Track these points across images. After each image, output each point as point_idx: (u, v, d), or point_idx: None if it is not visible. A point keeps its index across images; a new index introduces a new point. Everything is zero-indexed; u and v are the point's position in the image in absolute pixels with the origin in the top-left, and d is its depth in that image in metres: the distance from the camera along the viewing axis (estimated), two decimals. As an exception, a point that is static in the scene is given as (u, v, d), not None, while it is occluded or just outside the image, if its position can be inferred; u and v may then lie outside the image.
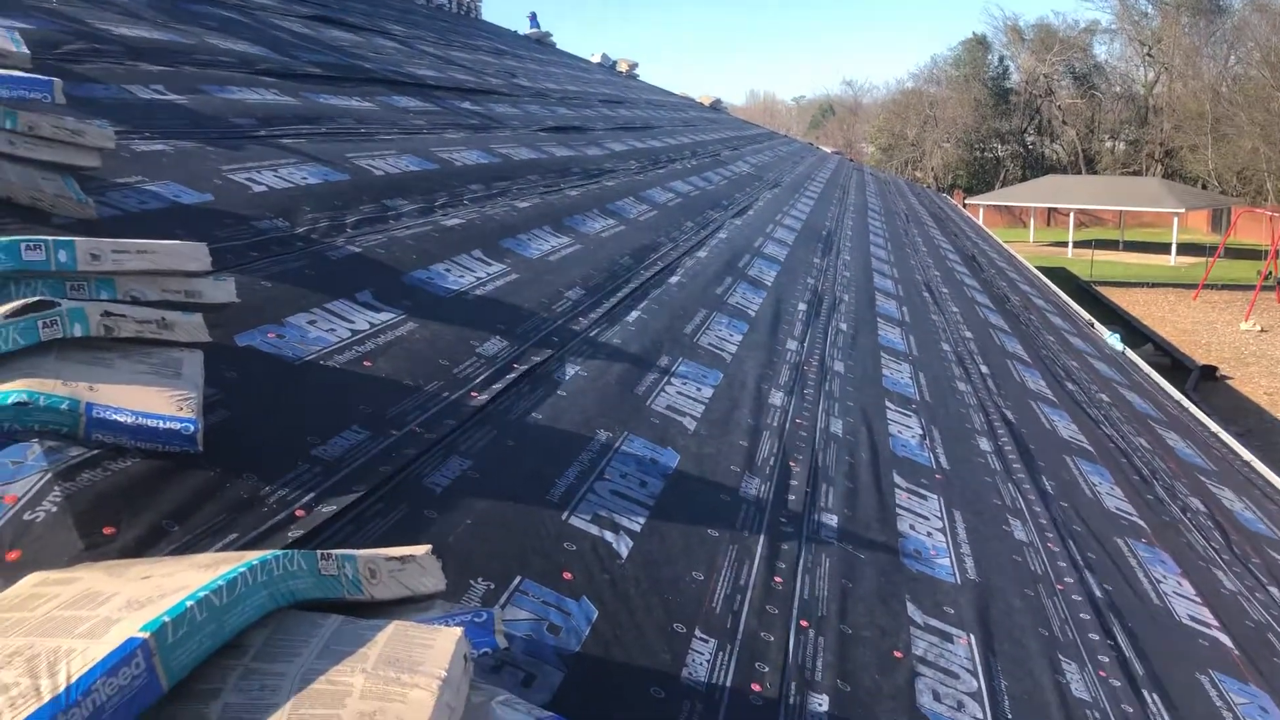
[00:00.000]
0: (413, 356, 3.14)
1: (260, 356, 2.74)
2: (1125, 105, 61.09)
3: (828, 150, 32.20)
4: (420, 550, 1.73)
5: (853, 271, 8.46)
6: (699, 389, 3.94)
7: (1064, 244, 45.22)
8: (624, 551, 2.50)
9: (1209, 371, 20.81)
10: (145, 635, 1.15)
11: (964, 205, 45.36)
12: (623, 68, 28.20)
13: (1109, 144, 62.87)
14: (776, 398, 4.22)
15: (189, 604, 1.21)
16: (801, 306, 6.25)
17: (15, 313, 2.07)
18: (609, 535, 2.54)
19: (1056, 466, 5.02)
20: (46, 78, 3.14)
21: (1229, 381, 20.64)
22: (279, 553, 1.39)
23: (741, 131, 22.61)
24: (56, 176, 3.19)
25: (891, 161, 63.56)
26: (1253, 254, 37.80)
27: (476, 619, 1.56)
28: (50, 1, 6.04)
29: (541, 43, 25.54)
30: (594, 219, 6.31)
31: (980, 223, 35.72)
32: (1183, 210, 42.15)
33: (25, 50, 4.21)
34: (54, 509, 1.84)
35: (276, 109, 5.74)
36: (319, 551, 1.47)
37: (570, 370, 3.59)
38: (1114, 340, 11.46)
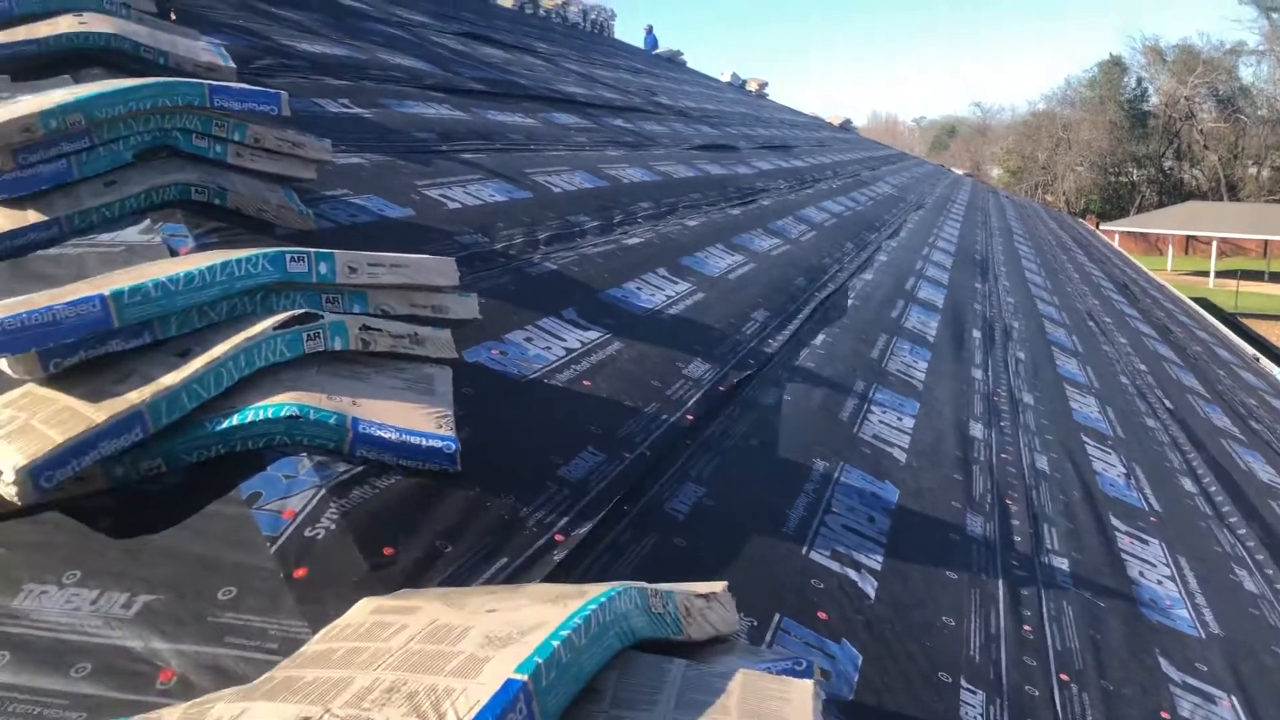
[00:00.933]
0: (626, 377, 3.07)
1: (489, 373, 2.70)
2: (1273, 130, 58.39)
3: (959, 173, 31.54)
4: (719, 587, 1.64)
5: (1015, 298, 8.17)
6: (899, 418, 3.79)
7: (1204, 273, 43.41)
8: (871, 592, 2.37)
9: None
10: (523, 677, 1.07)
11: (1098, 229, 43.93)
12: (752, 86, 28.12)
13: (1254, 170, 60.17)
14: (976, 430, 4.04)
15: (555, 644, 1.13)
16: (975, 333, 6.03)
17: (283, 325, 2.06)
18: (852, 573, 2.42)
19: (1265, 512, 4.71)
20: (274, 91, 3.18)
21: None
22: (619, 587, 1.31)
23: (874, 152, 22.28)
24: (278, 188, 3.22)
25: (1020, 185, 61.97)
26: None
27: (797, 666, 1.46)
28: (238, 20, 6.23)
29: (673, 61, 25.64)
30: (760, 238, 6.20)
31: (1116, 245, 34.51)
32: (1337, 240, 40.03)
33: (231, 64, 4.32)
34: (333, 527, 1.80)
35: (451, 124, 5.79)
36: (648, 588, 1.39)
37: (772, 394, 3.48)
38: (1286, 375, 10.87)
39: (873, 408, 3.76)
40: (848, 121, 29.86)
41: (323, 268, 2.18)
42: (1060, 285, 10.74)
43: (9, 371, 1.99)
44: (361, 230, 3.41)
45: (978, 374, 5.03)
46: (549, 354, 2.99)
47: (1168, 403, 6.23)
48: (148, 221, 2.85)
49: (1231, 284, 39.21)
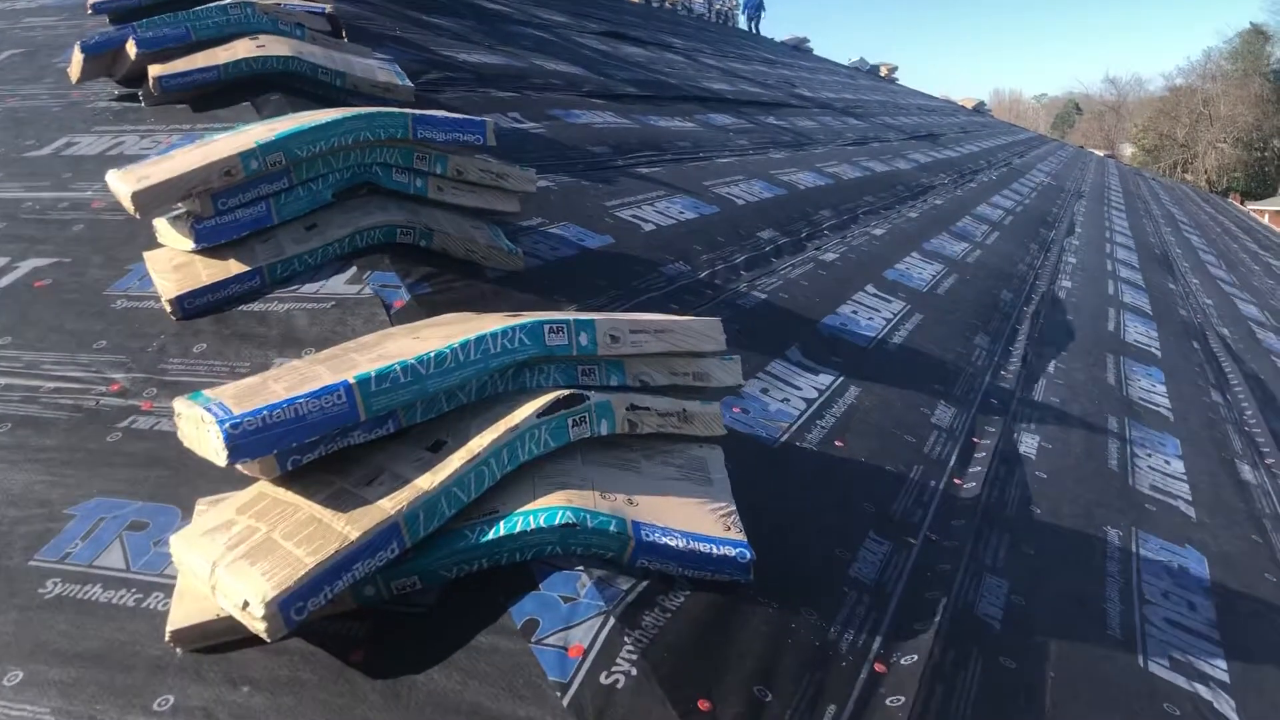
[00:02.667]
0: (876, 432, 2.71)
1: (738, 438, 2.36)
2: None
3: (1100, 154, 30.14)
4: None
5: (1212, 298, 7.51)
6: (1166, 461, 3.33)
7: (1368, 252, 40.66)
8: (1231, 714, 1.96)
9: None
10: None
11: (1243, 207, 41.56)
12: (883, 72, 27.31)
13: None
14: (1246, 471, 3.55)
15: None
16: (1194, 344, 5.47)
17: (548, 409, 1.75)
18: (1202, 690, 2.01)
19: None
20: (479, 119, 2.90)
21: None
22: None
23: (1014, 136, 21.33)
24: (484, 224, 2.95)
25: (1157, 164, 59.13)
26: None
27: None
28: (394, 31, 6.04)
29: (799, 49, 25.04)
30: (949, 242, 5.74)
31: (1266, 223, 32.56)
32: None
33: (408, 84, 4.08)
34: (634, 671, 1.48)
35: (620, 134, 5.49)
36: None
37: (1027, 441, 3.07)
38: None
39: (1136, 450, 3.31)
40: (981, 104, 28.76)
41: (583, 338, 1.87)
42: (1246, 279, 9.93)
43: (239, 467, 1.74)
44: (569, 266, 3.11)
45: (1216, 397, 4.50)
46: (789, 408, 2.64)
47: None
48: (353, 269, 2.60)
49: (1399, 263, 36.60)
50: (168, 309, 2.51)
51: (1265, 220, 38.55)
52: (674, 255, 3.59)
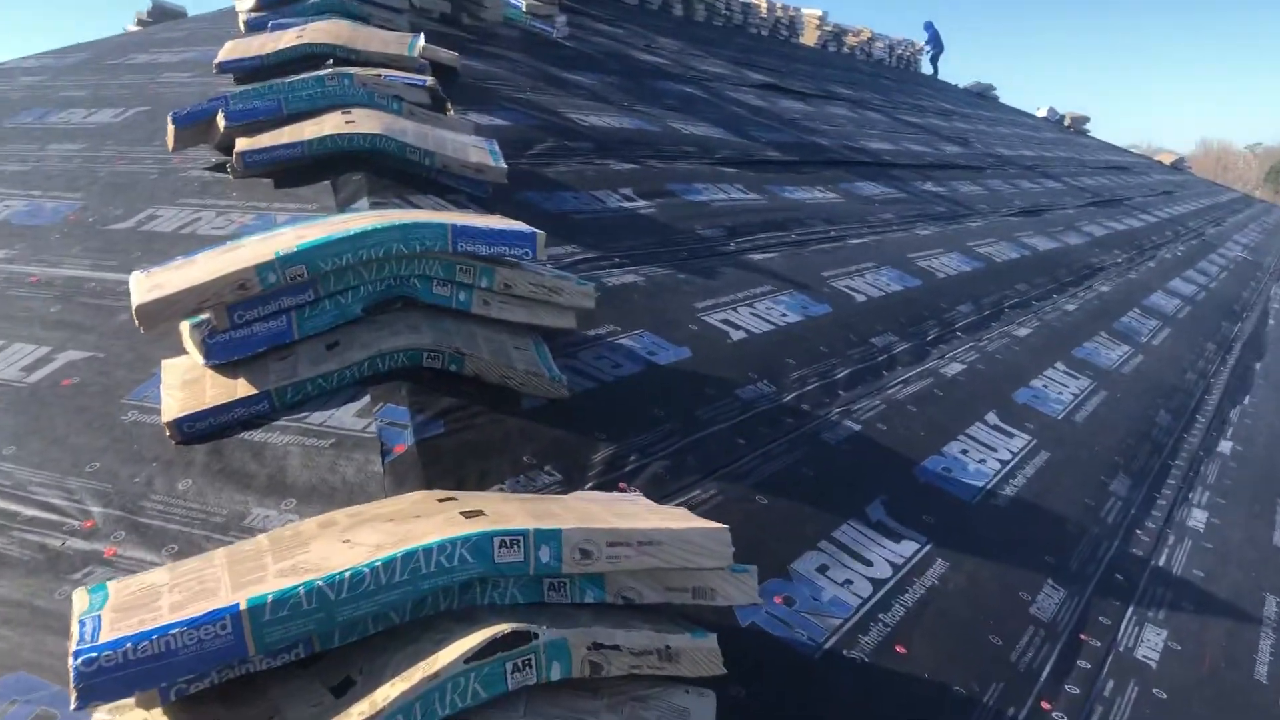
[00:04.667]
0: (953, 629, 2.27)
1: (769, 644, 1.98)
2: None
3: (1315, 217, 27.78)
4: None
5: None
6: (1333, 670, 2.74)
7: None
8: None
9: None
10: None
11: None
12: (1067, 122, 26.01)
13: None
14: None
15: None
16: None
17: (480, 652, 1.43)
18: None
19: None
20: (530, 230, 2.62)
21: None
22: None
23: (1215, 199, 19.83)
24: (528, 343, 2.66)
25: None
26: None
27: None
28: (525, 92, 5.88)
29: (984, 97, 24.11)
30: (1105, 347, 5.14)
31: None
32: None
33: (501, 165, 3.86)
34: None
35: (743, 211, 5.14)
36: None
37: (1150, 639, 2.56)
38: None
39: (1293, 653, 2.74)
40: (1180, 160, 26.98)
41: (544, 553, 1.55)
42: None
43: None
44: (627, 389, 2.79)
45: None
46: (850, 594, 2.24)
47: None
48: (367, 398, 2.35)
49: None
50: (166, 432, 2.32)
51: None
52: (759, 371, 3.22)
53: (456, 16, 7.43)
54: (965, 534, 2.71)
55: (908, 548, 2.52)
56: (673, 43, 11.40)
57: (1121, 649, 2.44)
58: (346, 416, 2.31)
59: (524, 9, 8.31)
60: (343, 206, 3.37)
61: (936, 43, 25.10)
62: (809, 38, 18.34)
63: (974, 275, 5.59)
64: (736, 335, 3.47)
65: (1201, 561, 3.09)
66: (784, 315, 3.83)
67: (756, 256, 4.49)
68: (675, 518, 1.75)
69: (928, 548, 2.55)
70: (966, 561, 2.56)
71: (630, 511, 1.74)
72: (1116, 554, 2.93)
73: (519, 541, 1.53)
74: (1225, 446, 4.31)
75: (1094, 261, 7.51)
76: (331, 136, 3.60)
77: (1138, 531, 3.15)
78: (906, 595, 2.32)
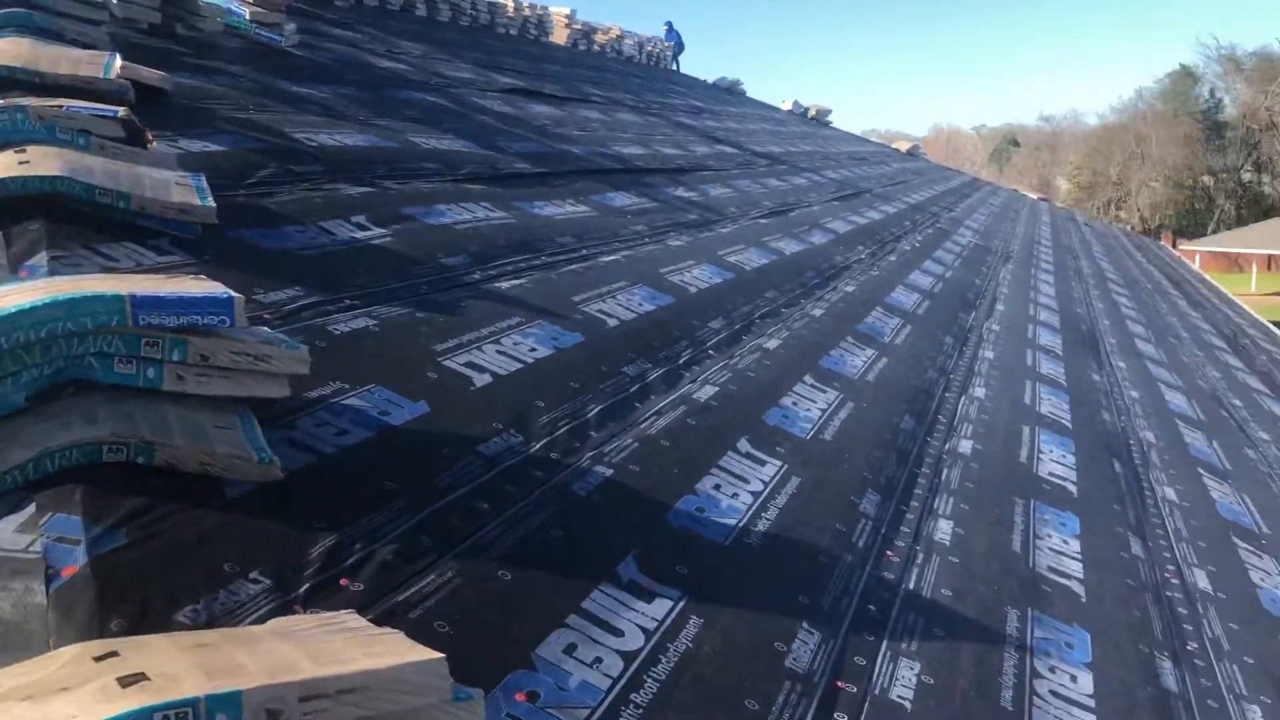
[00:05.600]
0: (706, 702, 2.17)
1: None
2: (1359, 138, 55.86)
3: (1034, 197, 30.20)
4: None
5: (1139, 389, 7.12)
6: (1073, 677, 2.83)
7: (1293, 292, 41.36)
8: None
9: None
10: None
11: (1175, 248, 42.23)
12: (812, 113, 27.15)
13: (1340, 180, 57.66)
14: (1168, 675, 3.07)
15: None
16: (1116, 466, 5.03)
17: None
18: None
19: None
20: (226, 294, 2.34)
21: None
22: None
23: (948, 184, 21.17)
24: (233, 420, 2.37)
25: (1092, 200, 60.06)
26: None
27: None
28: (246, 110, 5.45)
29: (732, 91, 24.80)
30: (852, 352, 5.27)
31: (1197, 269, 32.99)
32: None
33: (209, 204, 3.51)
34: None
35: (489, 233, 4.95)
36: None
37: (904, 675, 2.55)
38: None
39: (1038, 662, 2.81)
40: (915, 148, 28.68)
41: (219, 722, 1.31)
42: (1176, 357, 9.62)
43: None
44: (351, 460, 2.55)
45: (1137, 548, 4.04)
46: (602, 676, 2.09)
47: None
48: (32, 508, 2.01)
49: (1323, 304, 37.21)
50: None
51: (1196, 262, 39.07)
52: (506, 420, 3.04)
53: (169, 27, 6.84)
54: (719, 583, 2.63)
55: (660, 608, 2.41)
56: (416, 46, 11.05)
57: (877, 691, 2.41)
58: (5, 533, 1.96)
59: (247, 16, 7.77)
60: (16, 264, 2.95)
61: (677, 42, 25.67)
62: (559, 36, 18.30)
63: (725, 287, 5.61)
64: (480, 380, 3.27)
65: (950, 578, 3.14)
66: (533, 350, 3.67)
67: (504, 284, 4.31)
68: (387, 648, 1.54)
69: (681, 604, 2.45)
70: (721, 615, 2.47)
71: (332, 650, 1.52)
72: (869, 582, 2.93)
73: (187, 715, 1.29)
74: (965, 446, 4.47)
75: (839, 261, 7.76)
76: (1, 181, 3.15)
77: (889, 553, 3.17)
78: (659, 666, 2.20)
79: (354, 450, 2.60)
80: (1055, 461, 4.67)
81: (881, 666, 2.52)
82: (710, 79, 25.69)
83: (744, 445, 3.54)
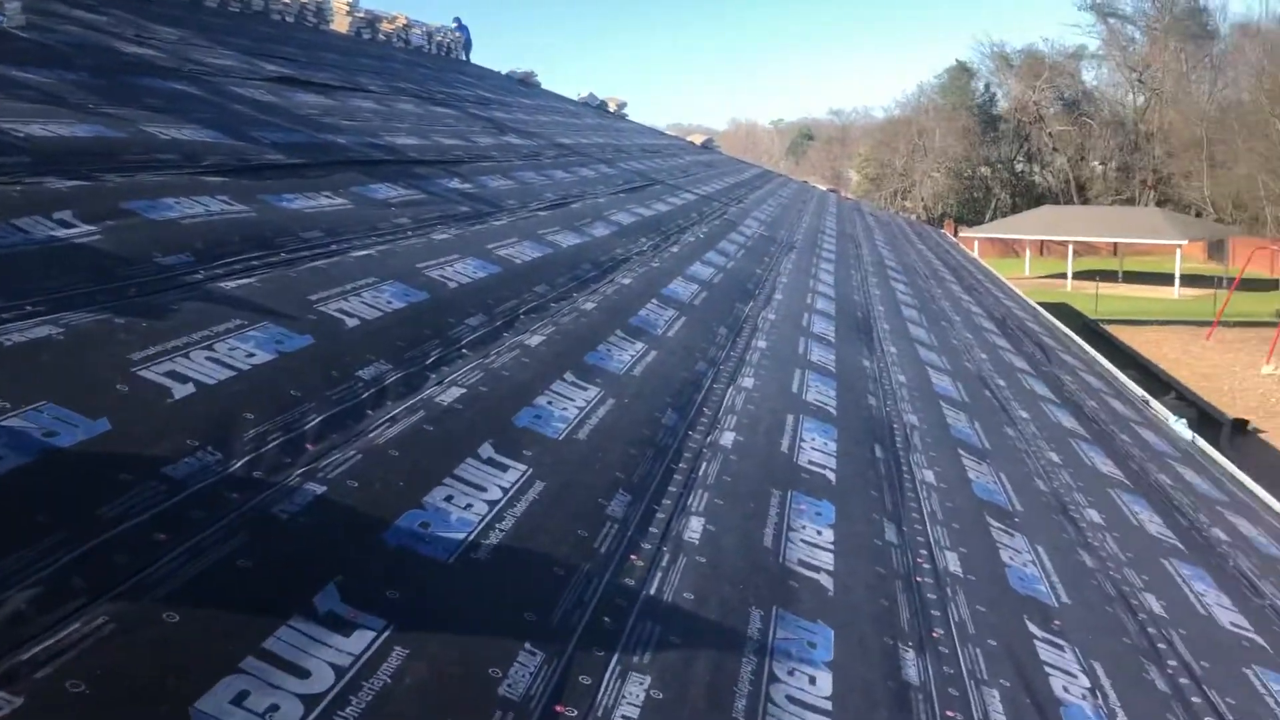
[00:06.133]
0: None
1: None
2: (1115, 131, 60.54)
3: (822, 189, 31.25)
4: None
5: (907, 373, 7.32)
6: (811, 678, 2.76)
7: (1062, 275, 44.41)
8: None
9: (1240, 425, 19.75)
10: None
11: (956, 235, 44.65)
12: (611, 106, 27.26)
13: (1100, 169, 62.33)
14: (909, 666, 3.05)
15: None
16: (879, 452, 5.09)
17: None
18: None
19: (1231, 682, 3.86)
20: None
21: (1261, 436, 19.58)
22: None
23: (740, 176, 21.59)
24: None
25: (880, 191, 62.89)
26: (1255, 286, 37.02)
27: None
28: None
29: (526, 83, 24.57)
30: (619, 345, 5.15)
31: (975, 255, 34.95)
32: (1184, 242, 41.37)
33: None
34: None
35: (223, 229, 4.57)
36: None
37: (632, 692, 2.41)
38: (1181, 428, 10.34)
39: (777, 669, 2.72)
40: (709, 141, 29.25)
41: None
42: (946, 339, 10.01)
43: None
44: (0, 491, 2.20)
45: (891, 533, 4.07)
46: (271, 729, 1.85)
47: (1096, 516, 5.41)
48: None
49: (1087, 285, 40.10)
50: None
51: (975, 249, 41.41)
52: (204, 436, 2.73)
53: None
54: (435, 606, 2.42)
55: (360, 640, 2.17)
56: (173, 32, 10.33)
57: (600, 713, 2.26)
58: None
59: (-40, -7, 7.03)
60: None
61: (466, 38, 25.30)
62: (340, 25, 17.61)
63: (490, 281, 5.40)
64: (182, 391, 2.95)
65: (695, 580, 3.03)
66: (251, 356, 3.35)
67: (230, 284, 3.95)
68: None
69: (385, 634, 2.22)
70: (431, 643, 2.26)
71: None
72: (607, 592, 2.78)
73: None
74: (728, 439, 4.41)
75: (619, 254, 7.66)
76: None
77: (633, 557, 3.03)
78: (349, 708, 1.97)
79: (3, 480, 2.25)
80: (816, 450, 4.68)
81: (608, 685, 2.37)
82: (504, 70, 25.38)
83: (486, 451, 3.34)
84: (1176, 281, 40.29)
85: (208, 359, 3.20)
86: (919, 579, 3.74)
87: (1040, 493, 5.56)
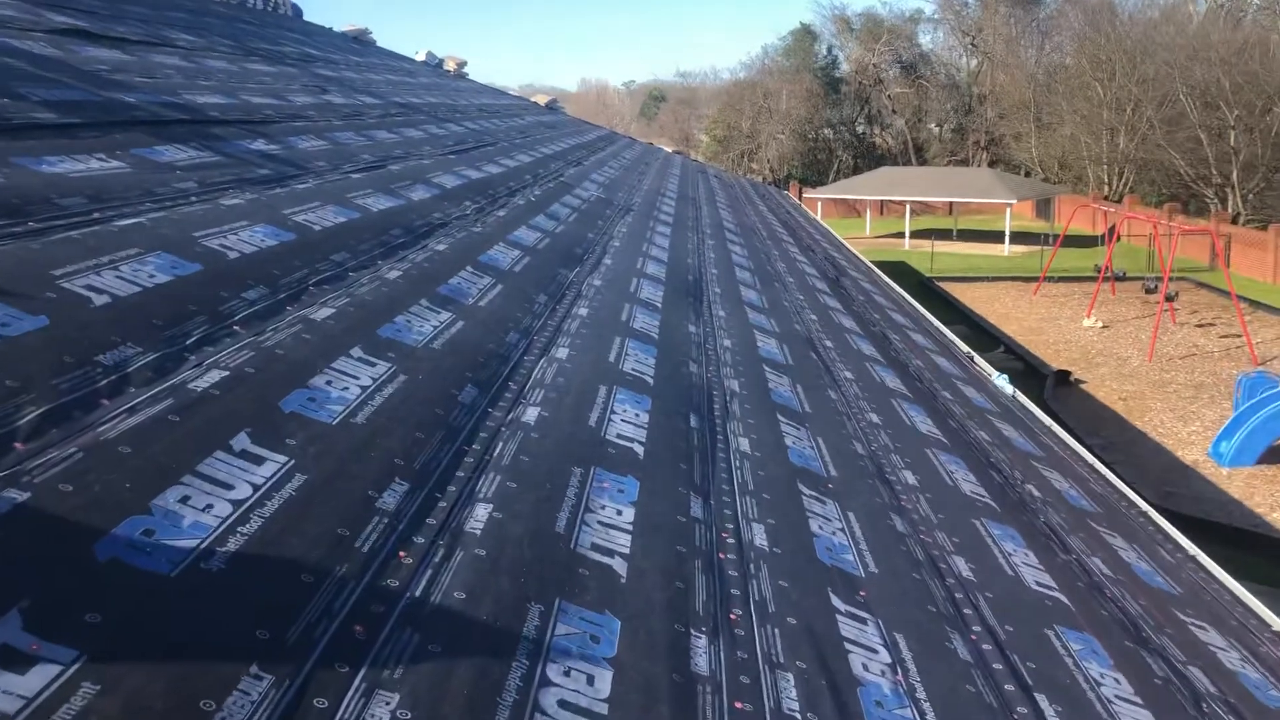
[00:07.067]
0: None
1: None
2: (951, 94, 62.51)
3: (669, 150, 31.20)
4: None
5: (734, 338, 7.22)
6: (589, 678, 2.56)
7: (900, 235, 45.71)
8: None
9: (1063, 376, 20.65)
10: None
11: (801, 198, 45.42)
12: (450, 66, 26.52)
13: (936, 130, 64.32)
14: (699, 656, 2.89)
15: None
16: (693, 422, 4.94)
17: None
18: None
19: (1032, 634, 3.87)
20: None
21: (1083, 386, 20.52)
22: None
23: (583, 138, 21.28)
24: None
25: (727, 153, 63.44)
26: (1078, 242, 38.82)
27: None
28: None
29: (360, 41, 23.64)
30: (421, 316, 4.84)
31: (819, 216, 35.62)
32: (1014, 201, 43.06)
33: None
34: None
35: (-43, 196, 4.06)
36: None
37: (379, 709, 2.17)
38: (1003, 383, 10.63)
39: (551, 671, 2.51)
40: (553, 101, 28.75)
41: None
42: (778, 300, 10.00)
43: None
44: None
45: (697, 508, 3.91)
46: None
47: (911, 477, 5.41)
48: None
49: (923, 243, 41.38)
50: None
51: (818, 210, 42.21)
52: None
53: None
54: (147, 629, 2.11)
55: (38, 678, 1.86)
56: (-58, -23, 9.35)
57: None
58: None
59: None
60: None
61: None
62: (151, -25, 16.43)
63: (279, 250, 5.00)
64: None
65: (470, 577, 2.79)
66: (-39, 341, 2.93)
67: (-52, 261, 3.49)
68: None
69: (75, 668, 1.92)
70: (133, 674, 1.96)
71: None
72: (364, 597, 2.52)
73: None
74: (531, 414, 4.18)
75: (437, 219, 7.31)
76: None
77: (401, 554, 2.78)
78: (11, 761, 1.66)
79: None
80: (627, 421, 4.49)
81: (348, 707, 2.11)
82: (339, 28, 24.33)
83: (241, 442, 3.01)
84: (1007, 240, 41.97)
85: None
86: (722, 555, 3.60)
87: (858, 456, 5.53)
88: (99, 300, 3.59)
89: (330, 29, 23.82)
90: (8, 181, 4.47)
